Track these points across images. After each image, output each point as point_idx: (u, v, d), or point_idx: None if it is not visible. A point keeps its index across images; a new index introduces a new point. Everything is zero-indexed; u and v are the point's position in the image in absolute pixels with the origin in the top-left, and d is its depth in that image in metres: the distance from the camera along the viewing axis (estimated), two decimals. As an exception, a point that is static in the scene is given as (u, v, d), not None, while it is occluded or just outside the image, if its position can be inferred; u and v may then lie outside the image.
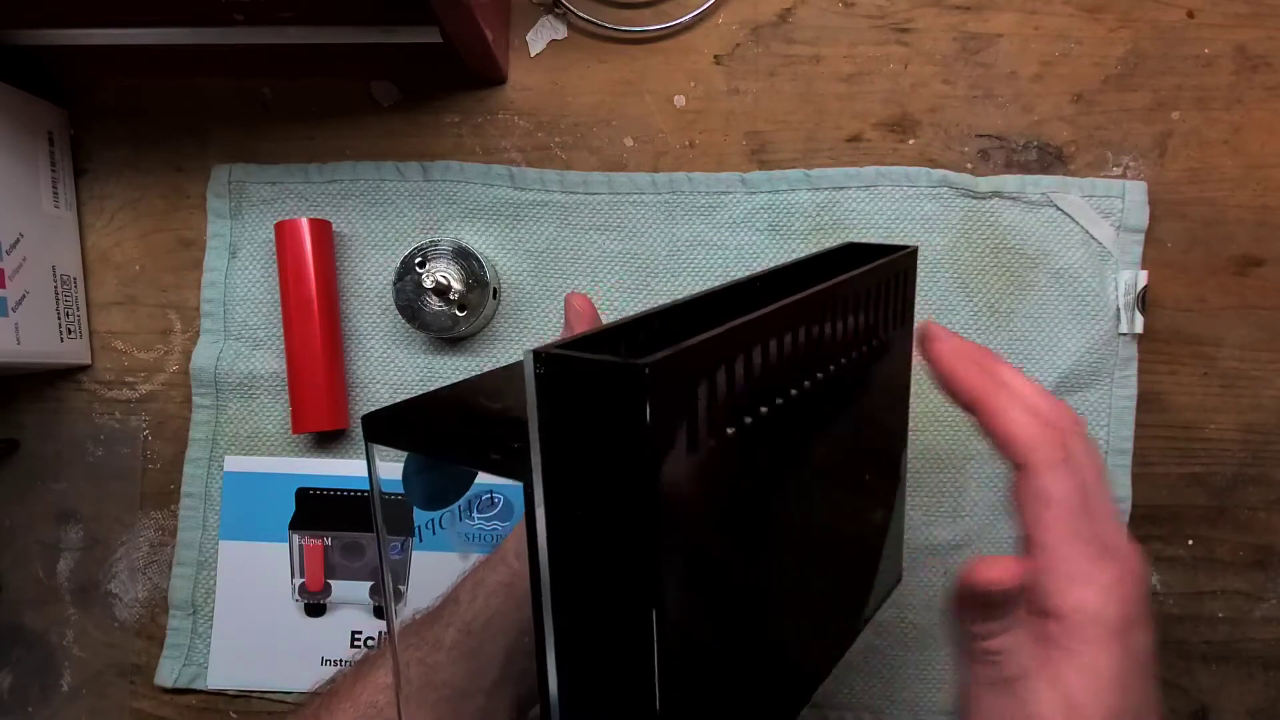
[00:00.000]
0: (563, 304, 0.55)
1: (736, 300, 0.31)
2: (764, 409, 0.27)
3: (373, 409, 0.55)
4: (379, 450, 0.58)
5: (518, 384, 0.34)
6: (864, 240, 0.41)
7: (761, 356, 0.27)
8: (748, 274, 0.33)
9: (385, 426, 0.30)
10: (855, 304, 0.33)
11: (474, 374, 0.55)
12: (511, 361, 0.38)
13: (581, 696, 0.25)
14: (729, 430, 0.25)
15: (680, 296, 0.30)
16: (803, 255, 0.37)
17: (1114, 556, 0.30)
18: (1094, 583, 0.29)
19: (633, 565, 0.23)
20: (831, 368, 0.31)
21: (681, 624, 0.24)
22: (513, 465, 0.26)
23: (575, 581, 0.24)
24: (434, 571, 0.55)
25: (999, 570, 0.28)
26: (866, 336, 0.34)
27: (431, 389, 0.33)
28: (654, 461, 0.22)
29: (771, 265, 0.36)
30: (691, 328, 0.24)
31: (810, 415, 0.30)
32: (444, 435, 0.30)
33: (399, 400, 0.60)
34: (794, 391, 0.29)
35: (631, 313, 0.54)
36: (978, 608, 0.30)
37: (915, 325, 0.32)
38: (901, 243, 0.53)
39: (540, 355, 0.22)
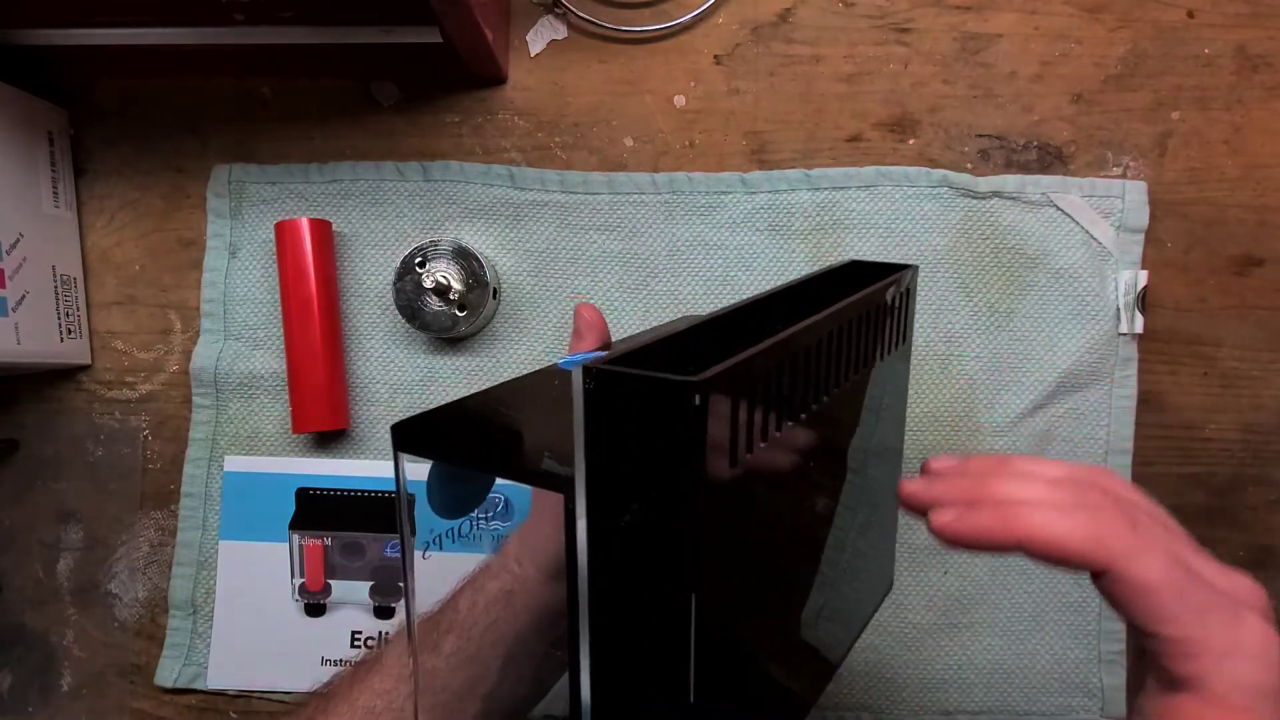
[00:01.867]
0: (563, 304, 0.55)
1: (753, 319, 0.31)
2: (790, 423, 0.28)
3: (374, 409, 0.55)
4: (377, 450, 0.57)
5: (542, 393, 0.35)
6: (865, 256, 0.41)
7: (793, 372, 0.27)
8: (756, 294, 0.33)
9: (417, 436, 0.30)
10: (870, 319, 0.33)
11: (475, 374, 0.55)
12: (524, 373, 0.39)
13: (612, 710, 0.25)
14: (763, 444, 0.26)
15: (697, 317, 0.30)
16: (807, 274, 0.38)
17: (1243, 605, 0.27)
18: (1240, 651, 0.27)
19: (675, 575, 0.23)
20: (846, 382, 0.32)
21: (714, 633, 0.24)
22: (554, 478, 0.26)
23: (613, 592, 0.24)
24: (432, 574, 0.55)
25: None
26: (873, 352, 0.34)
27: (441, 398, 0.33)
28: (702, 474, 0.22)
29: (775, 281, 0.36)
30: (719, 347, 0.25)
31: (824, 429, 0.31)
32: (481, 447, 0.30)
33: (397, 399, 0.59)
34: (815, 406, 0.29)
35: (631, 313, 0.55)
36: None
37: (901, 490, 0.32)
38: (901, 242, 0.54)
39: (590, 371, 0.22)
